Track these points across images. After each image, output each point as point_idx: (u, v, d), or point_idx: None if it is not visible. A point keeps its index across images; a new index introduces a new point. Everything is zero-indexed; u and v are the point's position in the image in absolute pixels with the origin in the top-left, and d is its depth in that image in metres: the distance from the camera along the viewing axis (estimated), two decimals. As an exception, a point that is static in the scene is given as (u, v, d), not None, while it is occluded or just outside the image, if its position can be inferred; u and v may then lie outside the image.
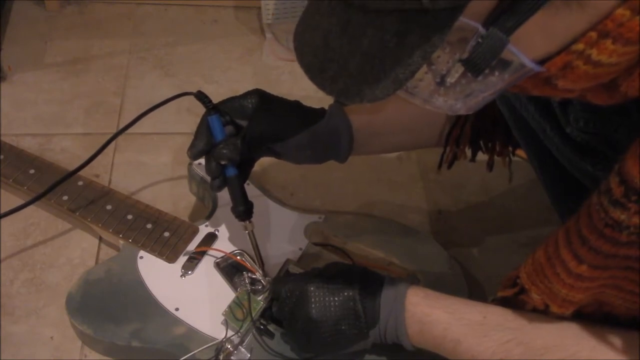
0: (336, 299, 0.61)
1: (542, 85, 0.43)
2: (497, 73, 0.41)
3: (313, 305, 0.61)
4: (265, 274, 0.73)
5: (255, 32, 1.20)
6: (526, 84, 0.43)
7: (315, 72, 0.43)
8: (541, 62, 0.41)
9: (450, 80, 0.43)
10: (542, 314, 0.54)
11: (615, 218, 0.43)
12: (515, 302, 0.56)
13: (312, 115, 0.72)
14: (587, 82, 0.41)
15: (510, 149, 0.79)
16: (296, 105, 0.72)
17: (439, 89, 0.44)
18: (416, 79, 0.42)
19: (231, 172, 0.70)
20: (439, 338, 0.58)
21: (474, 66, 0.40)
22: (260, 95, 0.71)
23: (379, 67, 0.40)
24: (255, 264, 0.73)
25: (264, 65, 1.13)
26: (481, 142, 0.78)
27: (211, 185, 0.71)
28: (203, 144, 0.69)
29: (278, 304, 0.66)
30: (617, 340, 0.50)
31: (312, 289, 0.62)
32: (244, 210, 0.71)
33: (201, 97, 0.70)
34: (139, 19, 1.20)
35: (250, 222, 0.71)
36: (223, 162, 0.69)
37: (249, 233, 0.72)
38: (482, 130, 0.76)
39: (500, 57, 0.40)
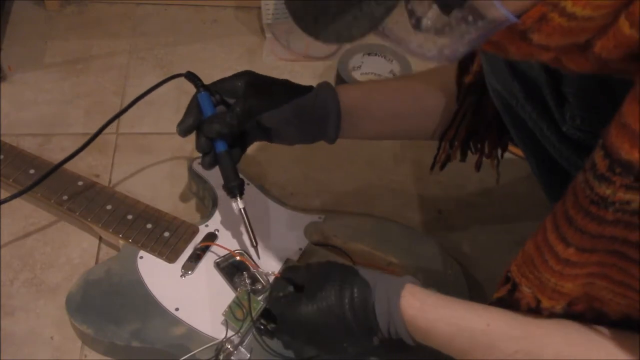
0: (328, 323, 0.62)
1: (518, 40, 0.42)
2: (470, 18, 0.41)
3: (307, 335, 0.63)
4: (259, 256, 0.74)
5: (255, 32, 1.20)
6: (502, 40, 0.43)
7: (299, 15, 0.43)
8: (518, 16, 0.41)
9: (425, 23, 0.42)
10: (540, 315, 0.53)
11: (601, 194, 0.42)
12: (511, 302, 0.55)
13: (300, 90, 0.73)
14: (562, 38, 0.41)
15: (499, 150, 0.79)
16: (285, 81, 0.74)
17: (415, 33, 0.43)
18: (392, 21, 0.42)
19: (221, 147, 0.70)
20: (445, 347, 0.58)
21: (445, 3, 0.40)
22: (250, 75, 0.72)
23: (356, 6, 0.40)
24: (252, 247, 0.73)
25: (264, 65, 1.13)
26: (471, 143, 0.79)
27: (202, 162, 0.71)
28: (192, 119, 0.70)
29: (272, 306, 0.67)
30: (628, 345, 0.49)
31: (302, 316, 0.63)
32: (235, 185, 0.70)
33: (191, 77, 0.71)
34: (139, 19, 1.20)
35: (242, 199, 0.71)
36: (212, 136, 0.69)
37: (241, 210, 0.71)
38: (477, 131, 0.76)
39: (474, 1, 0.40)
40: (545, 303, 0.51)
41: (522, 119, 0.63)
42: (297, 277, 0.66)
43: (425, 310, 0.58)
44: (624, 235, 0.43)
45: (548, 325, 0.53)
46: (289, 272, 0.69)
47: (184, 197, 0.91)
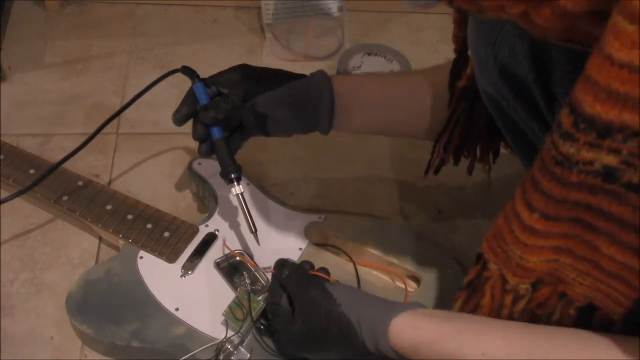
0: (326, 345, 0.61)
1: None
2: None
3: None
4: (259, 243, 0.74)
5: (255, 32, 1.20)
6: None
7: None
8: None
9: None
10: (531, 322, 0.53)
11: (565, 152, 0.42)
12: (478, 286, 0.55)
13: (295, 77, 0.74)
14: None
15: (491, 155, 0.80)
16: (280, 70, 0.75)
17: None
18: None
19: (217, 134, 0.70)
20: None
21: None
22: (245, 67, 0.73)
23: None
24: (252, 233, 0.73)
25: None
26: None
27: (199, 151, 0.72)
28: (186, 108, 0.71)
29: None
30: (631, 352, 0.47)
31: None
32: (232, 171, 0.70)
33: (187, 70, 0.73)
34: (139, 19, 1.20)
35: (239, 185, 0.71)
36: (208, 122, 0.69)
37: (238, 195, 0.71)
38: (470, 135, 0.77)
39: None
40: (510, 281, 0.51)
41: (513, 120, 0.63)
42: (288, 285, 0.65)
43: (415, 348, 0.57)
44: (588, 201, 0.43)
45: (547, 346, 0.51)
46: (281, 268, 0.68)
47: (184, 197, 0.92)
